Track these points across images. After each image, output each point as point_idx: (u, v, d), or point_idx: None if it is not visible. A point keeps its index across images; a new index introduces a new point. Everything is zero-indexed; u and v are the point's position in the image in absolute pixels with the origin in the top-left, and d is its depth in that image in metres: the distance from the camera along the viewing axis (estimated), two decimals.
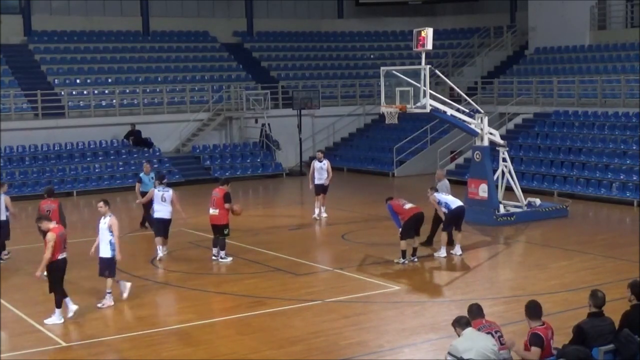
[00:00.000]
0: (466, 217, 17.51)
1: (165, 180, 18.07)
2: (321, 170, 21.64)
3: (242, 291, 14.67)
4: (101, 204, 13.76)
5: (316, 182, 21.65)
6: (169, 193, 17.39)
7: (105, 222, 13.57)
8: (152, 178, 20.02)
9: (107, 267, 13.68)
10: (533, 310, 8.77)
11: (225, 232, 16.85)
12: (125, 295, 13.94)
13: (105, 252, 13.59)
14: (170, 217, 17.48)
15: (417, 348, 11.47)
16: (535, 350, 8.53)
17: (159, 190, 17.51)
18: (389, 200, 16.70)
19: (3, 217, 17.35)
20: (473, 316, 8.85)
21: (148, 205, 19.89)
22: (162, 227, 17.44)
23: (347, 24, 41.82)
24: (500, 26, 39.02)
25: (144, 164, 21.15)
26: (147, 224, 20.45)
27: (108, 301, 13.66)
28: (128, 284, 14.16)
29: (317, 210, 21.80)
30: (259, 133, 32.90)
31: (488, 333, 8.56)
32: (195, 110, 33.01)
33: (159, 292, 14.88)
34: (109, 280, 13.70)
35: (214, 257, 16.97)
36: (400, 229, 16.25)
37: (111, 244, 13.52)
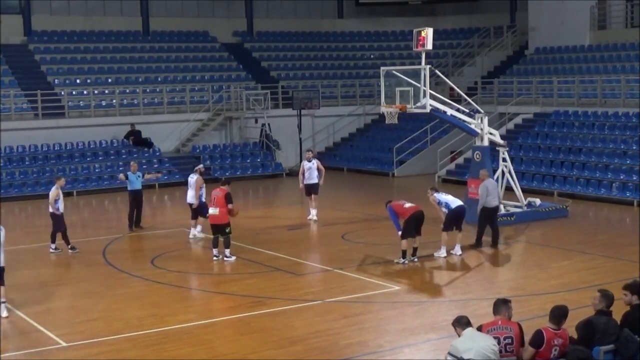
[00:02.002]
0: (466, 217, 17.50)
1: (197, 168, 19.81)
2: (310, 171, 21.41)
3: (242, 291, 14.67)
4: None
5: (305, 182, 21.45)
6: (193, 179, 19.06)
7: None
8: (139, 177, 20.38)
9: None
10: (552, 312, 8.68)
11: (227, 230, 16.92)
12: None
13: None
14: (193, 201, 18.97)
15: (417, 348, 11.46)
16: (529, 350, 8.51)
17: (190, 177, 19.31)
18: (389, 203, 16.69)
19: (62, 209, 17.98)
20: (494, 311, 8.79)
21: (134, 205, 20.25)
22: (192, 211, 19.11)
23: (347, 24, 41.82)
24: (500, 26, 39.02)
25: (131, 163, 21.29)
26: (140, 224, 20.74)
27: (2, 312, 13.03)
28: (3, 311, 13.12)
29: (312, 211, 21.58)
30: (259, 133, 32.91)
31: (495, 337, 8.47)
32: (195, 110, 33.01)
33: (159, 292, 14.86)
34: (2, 289, 13.03)
35: (214, 258, 16.96)
36: (401, 230, 16.25)
37: None
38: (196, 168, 19.77)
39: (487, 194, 17.60)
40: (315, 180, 21.40)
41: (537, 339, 8.50)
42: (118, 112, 32.22)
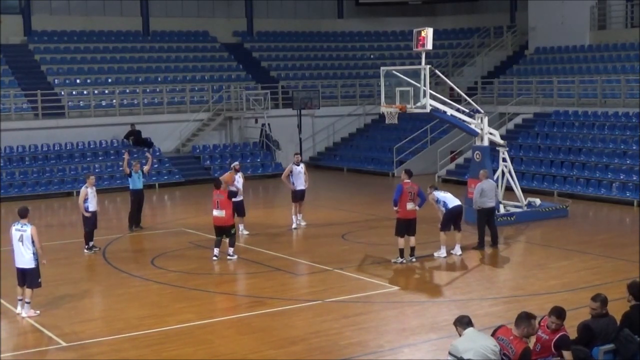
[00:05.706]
0: (466, 217, 17.49)
1: (233, 165, 20.19)
2: (299, 175, 20.33)
3: (242, 291, 14.67)
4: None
5: (297, 187, 20.36)
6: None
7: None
8: (141, 176, 20.43)
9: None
10: (563, 312, 8.62)
11: (232, 231, 17.09)
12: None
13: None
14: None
15: (417, 348, 11.46)
16: (567, 354, 8.44)
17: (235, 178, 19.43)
18: (408, 175, 16.51)
19: (92, 208, 17.98)
20: (515, 323, 8.43)
21: (135, 204, 20.38)
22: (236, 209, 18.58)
23: (347, 24, 41.83)
24: (500, 26, 39.04)
25: (134, 162, 21.36)
26: (140, 224, 20.84)
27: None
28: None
29: (294, 218, 20.50)
30: (259, 133, 32.91)
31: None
32: (195, 110, 33.01)
33: (159, 292, 14.87)
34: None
35: (214, 258, 16.95)
36: (394, 229, 16.34)
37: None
38: (232, 165, 20.20)
39: (480, 195, 17.57)
40: (304, 187, 20.44)
41: (568, 342, 8.49)
42: (118, 112, 32.21)
